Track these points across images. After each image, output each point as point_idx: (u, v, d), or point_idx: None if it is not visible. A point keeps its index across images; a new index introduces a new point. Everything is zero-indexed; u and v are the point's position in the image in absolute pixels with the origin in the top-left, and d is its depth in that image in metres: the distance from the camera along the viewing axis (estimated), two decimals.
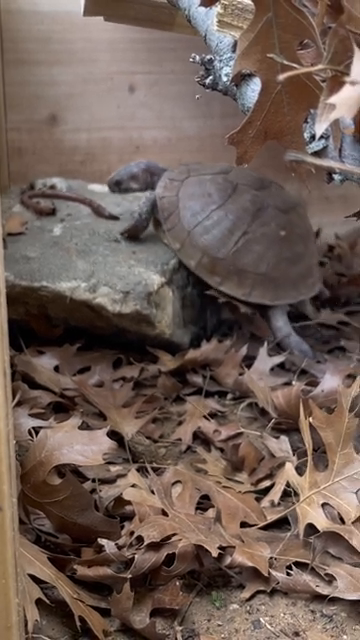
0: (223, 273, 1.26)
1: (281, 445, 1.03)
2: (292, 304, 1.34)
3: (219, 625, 0.78)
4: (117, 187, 1.37)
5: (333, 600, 0.80)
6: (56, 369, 1.19)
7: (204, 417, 1.11)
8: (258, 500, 0.94)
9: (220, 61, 0.97)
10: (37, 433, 0.86)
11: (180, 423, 1.11)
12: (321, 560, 0.84)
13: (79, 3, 1.33)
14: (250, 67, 0.82)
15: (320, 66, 0.70)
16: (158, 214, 1.29)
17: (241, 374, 1.18)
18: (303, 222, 1.34)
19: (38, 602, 0.73)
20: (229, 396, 1.19)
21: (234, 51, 0.94)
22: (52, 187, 1.43)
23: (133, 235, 1.30)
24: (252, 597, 0.81)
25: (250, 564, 0.82)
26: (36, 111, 1.56)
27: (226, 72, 0.96)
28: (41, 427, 0.91)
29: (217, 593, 0.82)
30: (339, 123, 0.83)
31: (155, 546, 0.80)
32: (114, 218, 1.35)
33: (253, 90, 0.92)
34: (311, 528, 0.86)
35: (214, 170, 1.33)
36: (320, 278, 1.36)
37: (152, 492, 0.91)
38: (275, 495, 0.94)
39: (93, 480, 0.95)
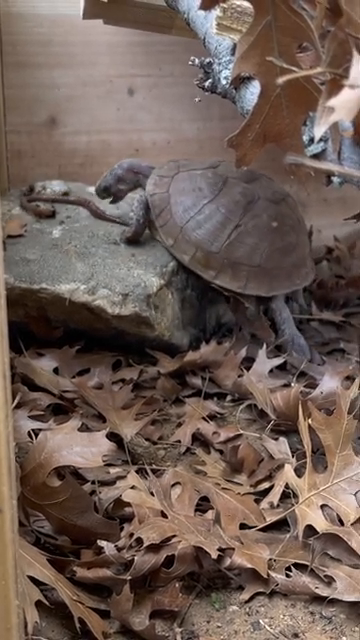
0: (217, 267, 1.26)
1: (280, 447, 1.03)
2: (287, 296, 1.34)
3: (218, 626, 0.78)
4: (106, 193, 1.35)
5: (332, 601, 0.81)
6: (55, 371, 1.19)
7: (203, 419, 1.11)
8: (257, 502, 0.95)
9: (219, 64, 0.97)
10: (37, 435, 0.86)
11: (179, 425, 1.11)
12: (320, 562, 0.84)
13: (79, 6, 1.34)
14: (249, 70, 0.82)
15: (319, 69, 0.70)
16: (150, 212, 1.29)
17: (240, 376, 1.18)
18: (294, 212, 1.34)
19: (38, 604, 0.73)
20: (228, 398, 1.19)
21: (233, 54, 0.94)
22: (66, 194, 1.43)
23: (134, 241, 1.30)
24: (251, 599, 0.81)
25: (249, 566, 0.82)
26: (35, 114, 1.56)
27: (225, 75, 0.97)
28: (41, 429, 0.91)
29: (216, 595, 0.82)
30: (338, 126, 0.83)
31: (155, 548, 0.80)
32: (120, 222, 1.35)
33: (252, 93, 0.92)
34: (310, 530, 0.86)
35: (203, 165, 1.33)
36: (313, 268, 1.36)
37: (151, 494, 0.91)
38: (274, 497, 0.94)
39: (93, 482, 0.95)
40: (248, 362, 1.20)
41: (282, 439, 1.04)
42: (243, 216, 1.27)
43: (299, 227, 1.34)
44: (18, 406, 1.01)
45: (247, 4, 0.82)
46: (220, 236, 1.26)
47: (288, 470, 0.92)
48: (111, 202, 1.37)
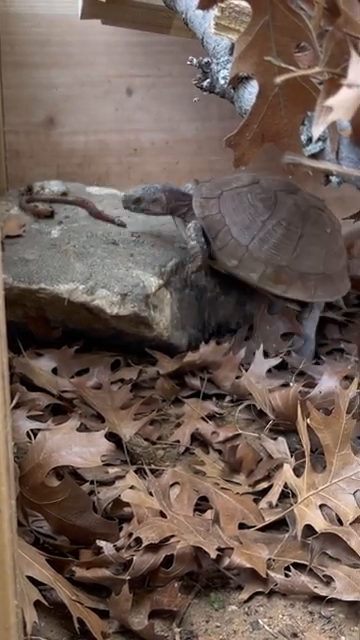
0: (288, 280, 1.26)
1: (279, 446, 1.03)
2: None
3: (217, 626, 0.78)
4: (135, 205, 1.30)
5: (331, 601, 0.81)
6: (54, 371, 1.19)
7: (202, 419, 1.11)
8: (256, 501, 0.95)
9: (217, 64, 0.97)
10: (35, 435, 0.86)
11: (178, 425, 1.11)
12: (319, 561, 0.84)
13: (77, 6, 1.34)
14: (247, 70, 0.83)
15: (317, 69, 0.70)
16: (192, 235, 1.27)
17: (239, 376, 1.18)
18: (333, 217, 1.37)
19: (37, 604, 0.73)
20: (227, 398, 1.19)
21: (231, 54, 0.94)
22: (64, 194, 1.43)
23: (201, 268, 1.28)
24: (250, 598, 0.81)
25: (248, 565, 0.82)
26: (34, 114, 1.56)
27: (223, 75, 0.97)
28: (39, 429, 0.91)
29: (215, 594, 0.82)
30: (336, 125, 0.83)
31: (153, 548, 0.80)
32: (121, 225, 1.35)
33: (250, 93, 0.92)
34: (309, 529, 0.86)
35: (244, 182, 1.32)
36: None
37: (150, 494, 0.91)
38: (273, 496, 0.94)
39: (91, 482, 0.95)
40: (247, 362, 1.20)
41: (281, 439, 1.04)
42: (303, 227, 1.28)
43: (340, 230, 1.37)
44: (17, 406, 1.01)
45: (245, 4, 0.82)
46: (287, 249, 1.26)
47: (287, 470, 0.93)
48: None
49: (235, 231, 1.26)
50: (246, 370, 1.17)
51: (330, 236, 1.31)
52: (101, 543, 0.81)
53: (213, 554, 0.80)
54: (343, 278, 1.33)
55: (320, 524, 0.86)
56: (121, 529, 0.86)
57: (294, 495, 0.91)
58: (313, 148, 0.88)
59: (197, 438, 1.08)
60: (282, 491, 0.94)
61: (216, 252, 1.27)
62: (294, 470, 0.94)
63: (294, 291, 1.27)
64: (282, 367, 1.24)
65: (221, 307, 1.37)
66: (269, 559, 0.84)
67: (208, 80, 0.99)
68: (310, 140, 0.88)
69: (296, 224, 1.28)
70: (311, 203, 1.32)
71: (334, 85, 0.66)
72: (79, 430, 0.86)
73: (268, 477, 0.99)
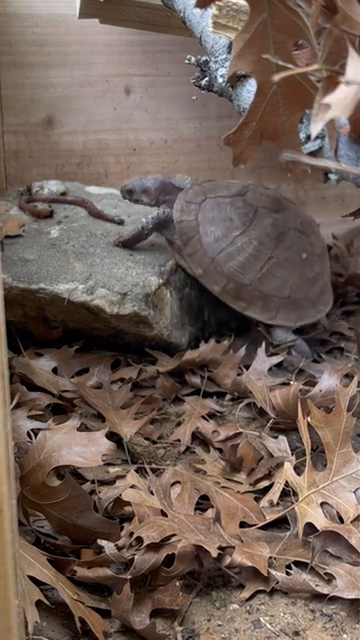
0: (248, 298, 1.26)
1: (279, 445, 1.03)
2: None
3: (219, 625, 0.78)
4: (129, 195, 1.34)
5: (333, 599, 0.80)
6: (54, 371, 1.19)
7: (203, 418, 1.11)
8: (257, 500, 0.94)
9: (215, 62, 0.97)
10: (36, 435, 0.86)
11: (179, 424, 1.11)
12: (320, 559, 0.84)
13: (75, 6, 1.34)
14: (245, 68, 0.82)
15: (315, 66, 0.70)
16: (175, 236, 1.28)
17: (239, 375, 1.18)
18: (319, 241, 1.35)
19: (38, 604, 0.73)
20: (227, 397, 1.19)
21: (229, 52, 0.94)
22: (63, 194, 1.43)
23: (127, 245, 1.29)
24: (252, 597, 0.81)
25: (250, 564, 0.82)
26: (32, 114, 1.56)
27: (222, 73, 0.97)
28: (40, 429, 0.91)
29: (217, 593, 0.82)
30: (334, 123, 0.83)
31: (155, 547, 0.80)
32: (119, 223, 1.35)
33: (249, 91, 0.92)
34: (310, 527, 0.86)
35: (230, 192, 1.31)
36: (332, 292, 1.37)
37: (151, 493, 0.92)
38: (274, 495, 0.94)
39: (92, 481, 0.95)
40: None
41: (281, 437, 1.04)
42: (275, 248, 1.27)
43: (324, 255, 1.35)
44: (17, 406, 1.01)
45: (243, 2, 0.82)
46: (252, 269, 1.26)
47: (288, 468, 0.93)
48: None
49: (205, 241, 1.26)
50: (246, 369, 1.17)
51: (305, 261, 1.29)
52: (102, 542, 0.81)
53: (214, 553, 0.80)
54: (316, 304, 1.31)
55: (321, 522, 0.86)
56: (122, 528, 0.86)
57: (295, 493, 0.91)
58: (312, 146, 0.88)
59: (198, 437, 1.08)
60: (283, 489, 0.94)
61: (186, 258, 1.27)
62: (295, 468, 0.94)
63: (254, 310, 1.27)
64: (282, 366, 1.24)
65: (221, 306, 1.37)
66: (270, 557, 0.84)
67: (206, 79, 0.99)
68: (309, 138, 0.88)
69: (268, 245, 1.27)
70: (294, 225, 1.31)
71: (332, 83, 0.66)
72: (79, 430, 0.86)
73: (269, 475, 0.99)
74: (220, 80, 0.97)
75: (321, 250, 1.34)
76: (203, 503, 0.93)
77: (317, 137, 0.87)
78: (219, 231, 1.27)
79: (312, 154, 0.87)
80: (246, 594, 0.81)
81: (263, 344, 1.20)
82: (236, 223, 1.27)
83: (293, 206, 1.36)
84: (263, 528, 0.90)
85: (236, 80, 0.94)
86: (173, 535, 0.82)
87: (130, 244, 1.29)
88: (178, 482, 0.95)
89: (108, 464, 1.00)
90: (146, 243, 1.31)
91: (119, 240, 1.29)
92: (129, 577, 0.78)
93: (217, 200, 1.30)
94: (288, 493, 0.94)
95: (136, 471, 0.98)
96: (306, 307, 1.30)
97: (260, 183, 1.34)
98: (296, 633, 0.77)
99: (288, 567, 0.84)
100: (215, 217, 1.28)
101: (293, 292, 1.28)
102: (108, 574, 0.79)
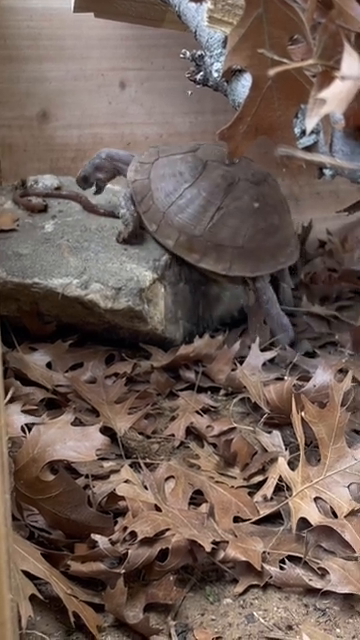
0: (201, 250, 1.26)
1: (273, 440, 1.03)
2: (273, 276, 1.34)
3: (213, 619, 0.78)
4: (85, 182, 1.36)
5: (326, 594, 0.81)
6: (49, 366, 1.19)
7: (197, 413, 1.11)
8: (251, 495, 0.95)
9: (211, 57, 0.97)
10: (30, 429, 0.86)
11: (173, 419, 1.11)
12: (314, 554, 0.85)
13: (69, 0, 1.34)
14: (241, 63, 0.82)
15: (310, 61, 0.70)
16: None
17: (233, 370, 1.18)
18: (275, 193, 1.34)
19: (32, 598, 0.73)
20: (221, 392, 1.19)
21: (224, 47, 0.94)
22: (58, 188, 1.42)
23: (131, 237, 1.29)
24: (245, 591, 0.82)
25: (243, 558, 0.82)
26: (27, 108, 1.56)
27: (217, 68, 0.96)
28: (34, 423, 0.91)
29: (210, 588, 0.82)
30: (329, 118, 0.83)
31: (148, 541, 0.81)
32: (112, 216, 1.35)
33: (244, 86, 0.92)
34: (304, 522, 0.86)
35: (183, 150, 1.33)
36: (297, 247, 1.36)
37: (145, 487, 0.92)
38: (268, 490, 0.94)
39: (86, 476, 0.95)
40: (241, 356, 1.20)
41: (275, 432, 1.04)
42: (224, 198, 1.26)
43: (281, 207, 1.34)
44: (11, 401, 1.01)
45: None
46: (202, 219, 1.26)
47: (281, 463, 0.93)
48: (95, 193, 1.37)
49: (157, 196, 1.27)
50: (240, 364, 1.17)
51: (257, 210, 1.28)
52: (96, 537, 0.81)
53: (208, 547, 0.80)
54: (275, 255, 1.30)
55: (315, 517, 0.86)
56: (116, 523, 0.86)
57: (289, 488, 0.91)
58: (306, 141, 0.87)
59: (192, 432, 1.08)
60: (277, 484, 0.94)
61: (142, 215, 1.28)
62: (289, 463, 0.94)
63: (208, 262, 1.26)
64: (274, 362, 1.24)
65: (215, 301, 1.37)
66: (264, 552, 0.84)
67: (201, 73, 0.99)
68: (303, 133, 0.87)
69: (216, 195, 1.27)
70: (245, 176, 1.30)
71: (327, 78, 0.66)
72: (74, 424, 0.86)
73: (263, 470, 0.99)
74: (215, 75, 0.97)
75: (277, 202, 1.33)
76: (197, 498, 0.94)
77: (312, 132, 0.87)
78: (170, 186, 1.28)
79: (307, 149, 0.87)
80: (240, 589, 0.81)
81: (257, 339, 1.21)
82: (186, 176, 1.28)
83: (247, 160, 1.36)
84: (257, 523, 0.90)
85: (231, 75, 0.94)
86: (167, 530, 0.82)
87: (131, 236, 1.29)
88: (172, 477, 0.96)
89: (102, 459, 1.00)
90: (141, 236, 1.31)
91: (122, 237, 1.29)
92: (123, 571, 0.78)
93: (169, 158, 1.31)
94: (282, 488, 0.94)
95: (130, 466, 0.98)
96: (263, 258, 1.29)
97: (217, 143, 1.34)
98: (289, 627, 0.77)
99: (282, 562, 0.84)
100: (166, 173, 1.29)
101: (246, 241, 1.27)
102: (102, 568, 0.79)
